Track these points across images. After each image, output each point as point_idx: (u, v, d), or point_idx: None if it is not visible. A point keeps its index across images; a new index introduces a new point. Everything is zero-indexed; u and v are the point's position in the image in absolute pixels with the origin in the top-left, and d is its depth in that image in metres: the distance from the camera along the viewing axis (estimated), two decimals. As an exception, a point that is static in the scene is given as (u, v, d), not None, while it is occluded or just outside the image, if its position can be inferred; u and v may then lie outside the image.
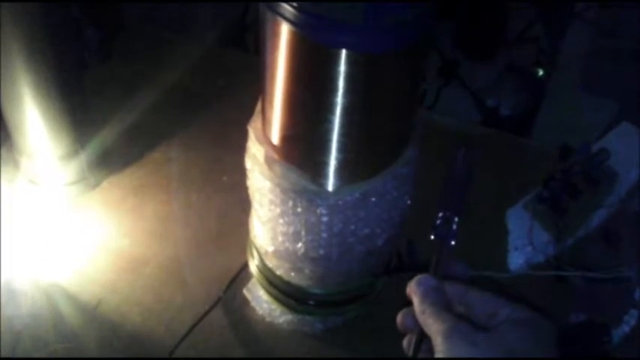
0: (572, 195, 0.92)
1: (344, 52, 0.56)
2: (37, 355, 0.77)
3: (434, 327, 0.48)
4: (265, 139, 0.70)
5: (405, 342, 0.52)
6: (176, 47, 1.21)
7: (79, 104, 0.92)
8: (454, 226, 0.57)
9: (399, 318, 0.52)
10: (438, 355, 0.47)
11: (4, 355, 0.78)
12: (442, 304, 0.49)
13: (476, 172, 0.61)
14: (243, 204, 0.79)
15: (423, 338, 0.50)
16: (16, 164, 0.96)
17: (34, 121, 0.87)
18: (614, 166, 0.95)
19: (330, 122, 0.62)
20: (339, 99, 0.60)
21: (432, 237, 0.56)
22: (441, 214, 0.57)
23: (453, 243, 0.56)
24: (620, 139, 1.01)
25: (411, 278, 0.54)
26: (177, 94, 1.12)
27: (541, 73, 1.34)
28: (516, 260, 0.92)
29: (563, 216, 0.91)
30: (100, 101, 1.07)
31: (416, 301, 0.50)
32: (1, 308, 0.82)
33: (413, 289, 0.50)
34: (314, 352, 0.84)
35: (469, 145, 0.63)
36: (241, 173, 0.75)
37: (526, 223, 0.93)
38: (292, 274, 0.79)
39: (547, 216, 0.92)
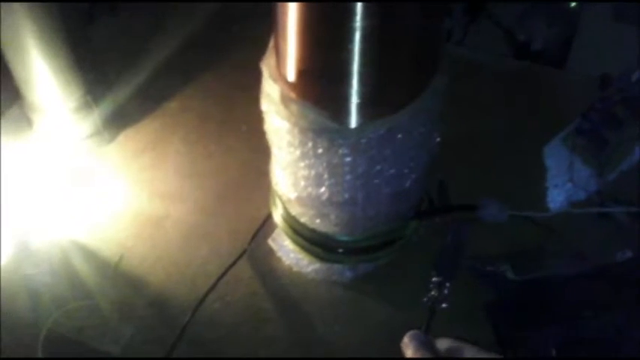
0: (613, 126, 0.86)
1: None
2: (56, 315, 0.75)
3: None
4: (280, 76, 0.65)
5: None
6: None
7: (87, 53, 0.88)
8: (446, 291, 0.66)
9: None
10: None
11: (25, 314, 0.77)
12: (431, 357, 0.56)
13: (467, 244, 0.73)
14: (264, 152, 0.75)
15: None
16: (29, 122, 0.94)
17: (42, 72, 0.84)
18: (658, 93, 0.89)
19: (349, 51, 0.57)
20: (358, 24, 0.54)
21: (425, 299, 0.65)
22: (434, 279, 0.67)
23: (444, 305, 0.65)
24: (663, 64, 0.95)
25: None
26: (190, 43, 1.08)
27: (573, 4, 1.26)
28: (556, 198, 0.87)
29: (604, 149, 0.86)
30: (111, 53, 1.05)
31: (408, 353, 0.57)
32: (20, 267, 0.80)
33: (406, 344, 0.57)
34: (344, 301, 0.81)
35: (462, 220, 0.75)
36: (261, 121, 0.70)
37: (565, 158, 0.88)
38: (317, 221, 0.75)
39: (587, 150, 0.87)
